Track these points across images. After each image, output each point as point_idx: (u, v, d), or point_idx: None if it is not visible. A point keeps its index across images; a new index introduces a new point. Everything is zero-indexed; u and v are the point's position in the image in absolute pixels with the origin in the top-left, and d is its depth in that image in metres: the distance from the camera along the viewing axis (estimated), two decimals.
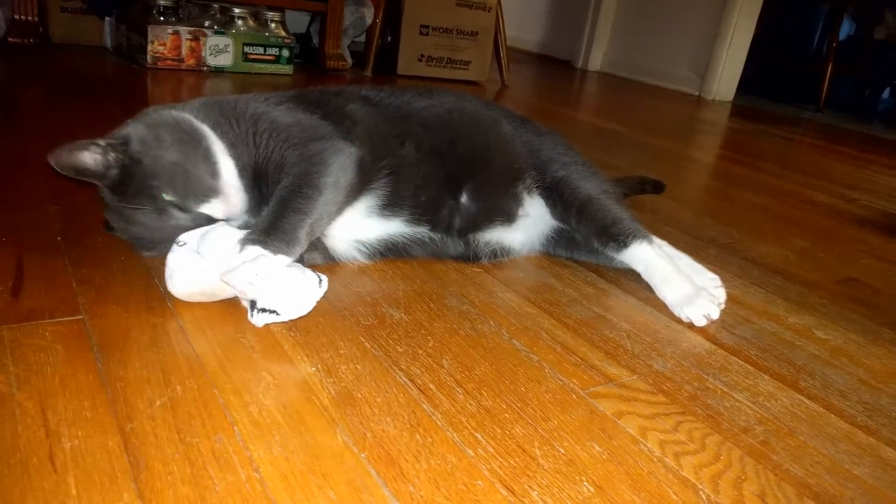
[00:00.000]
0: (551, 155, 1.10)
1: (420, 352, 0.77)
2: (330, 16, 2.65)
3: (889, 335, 0.99)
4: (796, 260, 1.28)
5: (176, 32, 2.23)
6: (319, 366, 0.72)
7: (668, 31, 4.01)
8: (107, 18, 2.48)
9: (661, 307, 0.98)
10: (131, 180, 0.81)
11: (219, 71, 2.34)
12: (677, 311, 0.96)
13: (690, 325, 0.94)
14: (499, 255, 1.06)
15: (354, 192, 0.91)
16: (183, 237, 0.80)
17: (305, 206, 0.82)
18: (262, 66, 2.42)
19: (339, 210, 0.89)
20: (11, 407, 0.59)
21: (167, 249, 0.80)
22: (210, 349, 0.72)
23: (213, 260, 0.77)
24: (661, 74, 4.06)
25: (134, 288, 0.82)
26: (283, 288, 0.75)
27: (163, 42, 2.22)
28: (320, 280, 0.77)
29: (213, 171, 0.83)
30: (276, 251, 0.77)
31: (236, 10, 2.38)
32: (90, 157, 0.80)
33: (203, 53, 2.29)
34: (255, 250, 0.76)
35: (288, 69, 2.48)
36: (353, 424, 0.63)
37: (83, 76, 2.12)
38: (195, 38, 2.27)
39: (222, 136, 0.87)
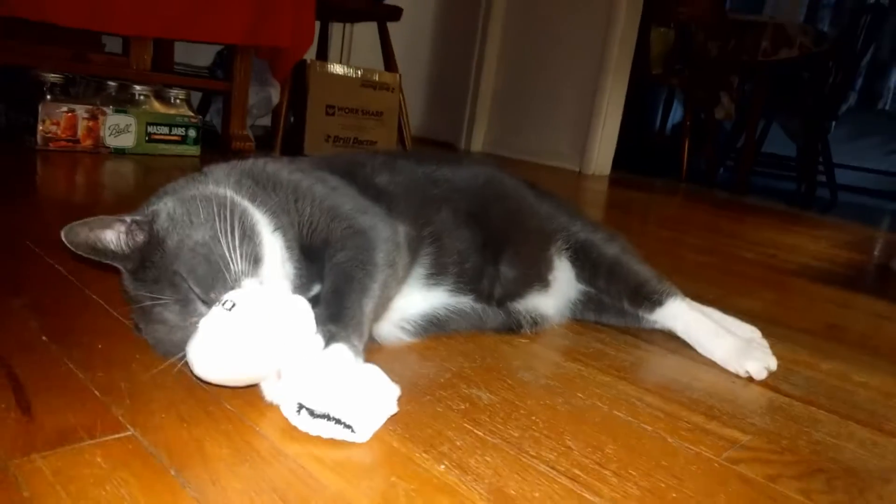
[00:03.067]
0: (568, 218, 1.08)
1: (536, 434, 0.68)
2: (235, 96, 2.52)
3: None
4: (780, 311, 1.33)
5: (71, 111, 2.00)
6: (446, 462, 0.60)
7: (546, 112, 4.25)
8: None
9: (710, 363, 0.95)
10: (152, 264, 0.66)
11: (119, 152, 2.12)
12: (733, 366, 0.93)
13: (749, 379, 0.92)
14: (538, 322, 0.99)
15: (407, 270, 0.83)
16: (230, 297, 0.63)
17: (368, 284, 0.72)
18: (167, 146, 2.23)
19: (396, 291, 0.81)
20: None
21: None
22: (311, 456, 0.59)
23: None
24: (542, 153, 4.26)
25: (174, 391, 0.66)
26: (367, 401, 0.62)
27: (56, 121, 1.98)
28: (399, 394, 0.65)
29: (255, 256, 0.68)
30: (356, 352, 0.65)
31: (137, 88, 2.19)
32: (113, 235, 0.67)
33: (102, 133, 2.07)
34: (342, 350, 0.64)
35: (195, 150, 2.31)
36: None
37: None
38: (93, 118, 2.05)
39: (261, 206, 0.75)
